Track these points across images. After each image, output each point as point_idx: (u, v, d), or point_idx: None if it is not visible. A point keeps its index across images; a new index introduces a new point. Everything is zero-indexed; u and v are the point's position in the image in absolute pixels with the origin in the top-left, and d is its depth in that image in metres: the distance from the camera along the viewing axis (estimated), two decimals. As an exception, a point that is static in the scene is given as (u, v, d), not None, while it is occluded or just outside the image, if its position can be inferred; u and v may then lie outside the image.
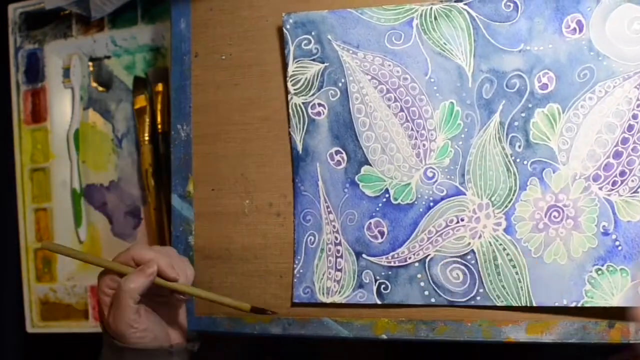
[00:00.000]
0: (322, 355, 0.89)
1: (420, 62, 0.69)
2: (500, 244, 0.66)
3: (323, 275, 0.70)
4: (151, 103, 0.91)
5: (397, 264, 0.69)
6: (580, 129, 0.65)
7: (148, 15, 0.92)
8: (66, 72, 0.96)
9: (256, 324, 0.74)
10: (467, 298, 0.67)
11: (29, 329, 0.96)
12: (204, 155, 0.76)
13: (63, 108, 0.97)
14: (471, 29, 0.67)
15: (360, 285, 0.69)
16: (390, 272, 0.69)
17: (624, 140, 0.64)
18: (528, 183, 0.66)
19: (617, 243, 0.64)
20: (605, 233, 0.64)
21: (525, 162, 0.66)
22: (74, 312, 0.94)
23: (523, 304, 0.65)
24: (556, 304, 0.64)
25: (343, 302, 0.70)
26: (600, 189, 0.65)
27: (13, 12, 0.98)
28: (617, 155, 0.64)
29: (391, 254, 0.69)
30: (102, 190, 0.96)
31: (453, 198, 0.68)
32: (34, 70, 0.96)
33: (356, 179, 0.70)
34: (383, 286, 0.69)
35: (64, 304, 0.94)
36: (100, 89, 0.96)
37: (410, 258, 0.69)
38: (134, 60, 0.95)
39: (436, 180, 0.68)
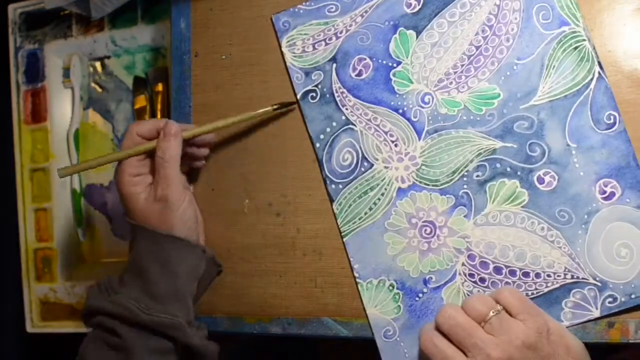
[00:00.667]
0: (322, 355, 0.89)
1: None
2: None
3: None
4: (151, 103, 0.91)
5: None
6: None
7: (148, 15, 0.92)
8: (66, 72, 0.96)
9: (256, 323, 0.74)
10: None
11: (29, 329, 0.96)
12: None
13: (63, 108, 0.97)
14: None
15: None
16: None
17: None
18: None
19: None
20: None
21: None
22: (74, 312, 0.94)
23: None
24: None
25: None
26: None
27: (13, 12, 0.98)
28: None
29: None
30: (102, 190, 0.96)
31: None
32: (34, 70, 0.96)
33: None
34: None
35: (64, 304, 0.94)
36: (99, 89, 0.96)
37: None
38: (134, 60, 0.95)
39: None
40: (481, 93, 0.67)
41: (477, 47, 0.67)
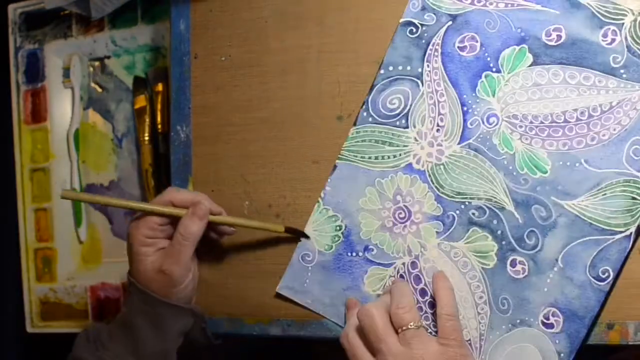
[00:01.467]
0: (321, 357, 0.89)
1: None
2: None
3: None
4: (151, 103, 0.91)
5: None
6: None
7: (148, 15, 0.92)
8: (66, 72, 0.96)
9: (255, 324, 0.74)
10: None
11: (29, 329, 0.96)
12: (203, 157, 0.76)
13: (63, 108, 0.97)
14: None
15: None
16: None
17: None
18: None
19: None
20: None
21: None
22: (74, 312, 0.94)
23: None
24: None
25: None
26: None
27: (13, 12, 0.98)
28: None
29: None
30: (102, 190, 0.96)
31: None
32: (34, 70, 0.96)
33: None
34: None
35: (64, 304, 0.95)
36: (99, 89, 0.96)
37: None
38: (134, 60, 0.95)
39: None
40: (535, 157, 0.65)
41: (566, 120, 0.65)
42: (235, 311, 0.74)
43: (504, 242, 0.66)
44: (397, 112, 0.69)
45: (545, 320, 0.64)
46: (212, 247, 0.74)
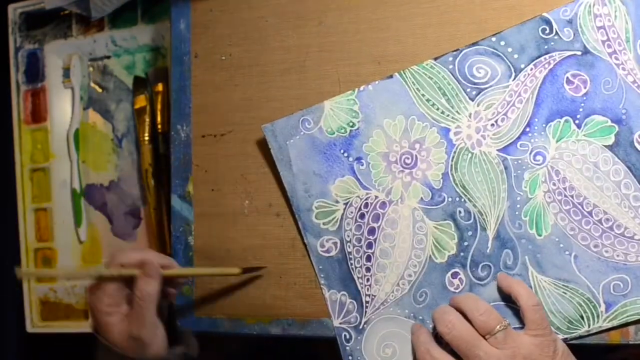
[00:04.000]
0: (321, 356, 0.89)
1: None
2: None
3: None
4: (151, 103, 0.91)
5: None
6: None
7: (148, 15, 0.92)
8: (66, 72, 0.96)
9: (255, 324, 0.74)
10: None
11: (29, 329, 0.95)
12: (203, 156, 0.76)
13: (63, 108, 0.97)
14: None
15: None
16: None
17: None
18: None
19: None
20: None
21: None
22: (74, 312, 0.94)
23: None
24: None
25: None
26: None
27: (13, 12, 0.98)
28: None
29: None
30: (102, 190, 0.96)
31: None
32: (34, 70, 0.96)
33: None
34: None
35: (64, 304, 0.94)
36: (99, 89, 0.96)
37: None
38: (134, 60, 0.95)
39: None
40: (544, 217, 0.65)
41: (594, 216, 0.64)
42: (235, 311, 0.74)
43: (462, 254, 0.67)
44: (476, 81, 0.67)
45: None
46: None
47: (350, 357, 0.69)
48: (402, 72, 0.69)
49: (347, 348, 0.69)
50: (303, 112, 0.71)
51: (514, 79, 0.66)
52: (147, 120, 0.91)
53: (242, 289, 0.74)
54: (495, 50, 0.67)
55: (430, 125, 0.68)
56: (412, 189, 0.68)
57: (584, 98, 0.65)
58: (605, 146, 0.64)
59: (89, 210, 0.96)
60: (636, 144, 0.63)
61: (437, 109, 0.68)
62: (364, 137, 0.70)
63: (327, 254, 0.70)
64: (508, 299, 0.65)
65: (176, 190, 0.77)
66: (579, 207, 0.65)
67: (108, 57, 0.96)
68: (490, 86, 0.67)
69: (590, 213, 0.64)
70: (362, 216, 0.69)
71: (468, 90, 0.67)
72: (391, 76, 0.69)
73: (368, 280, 0.69)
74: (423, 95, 0.68)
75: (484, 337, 0.61)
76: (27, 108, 0.96)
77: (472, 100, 0.67)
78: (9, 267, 1.00)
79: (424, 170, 0.68)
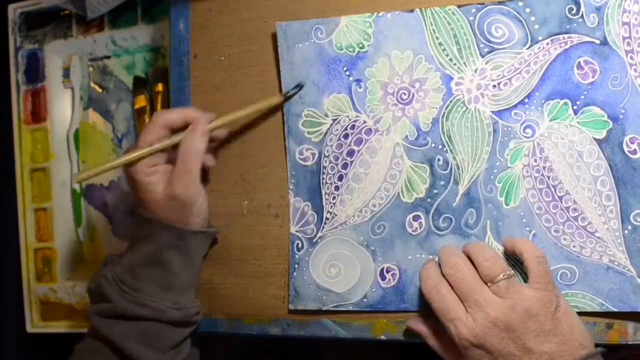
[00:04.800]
0: (322, 355, 0.89)
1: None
2: None
3: None
4: (151, 103, 0.91)
5: None
6: None
7: (148, 15, 0.92)
8: (66, 72, 0.96)
9: (255, 324, 0.74)
10: None
11: (29, 329, 0.96)
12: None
13: (63, 108, 0.97)
14: None
15: None
16: None
17: None
18: None
19: None
20: None
21: None
22: (74, 312, 0.94)
23: None
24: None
25: None
26: None
27: (13, 12, 0.98)
28: None
29: None
30: (102, 190, 0.96)
31: None
32: (34, 70, 0.96)
33: None
34: None
35: (64, 304, 0.95)
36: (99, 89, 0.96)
37: None
38: (134, 60, 0.95)
39: None
40: (516, 189, 0.66)
41: (568, 207, 0.65)
42: (234, 311, 0.74)
43: (429, 200, 0.68)
44: (491, 39, 0.67)
45: (385, 273, 0.68)
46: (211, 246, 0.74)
47: (296, 265, 0.71)
48: (423, 9, 0.68)
49: (296, 256, 0.71)
50: (318, 21, 0.71)
51: (529, 47, 0.66)
52: (147, 120, 0.91)
53: (241, 290, 0.74)
54: (518, 15, 0.66)
55: (435, 68, 0.68)
56: (401, 124, 0.69)
57: (589, 87, 0.65)
58: (594, 139, 0.64)
59: (89, 210, 0.97)
60: (624, 146, 0.63)
61: (447, 55, 0.68)
62: (369, 62, 0.70)
63: (303, 162, 0.72)
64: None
65: (176, 191, 0.76)
66: (552, 189, 0.65)
67: (108, 57, 0.96)
68: (504, 48, 0.67)
69: (561, 198, 0.65)
70: (346, 136, 0.70)
71: (481, 46, 0.67)
72: (412, 10, 0.69)
73: (334, 198, 0.70)
74: (437, 38, 0.68)
75: (486, 283, 0.61)
76: (27, 108, 0.96)
77: (482, 56, 0.67)
78: (9, 267, 1.00)
79: (417, 109, 0.69)
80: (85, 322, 0.93)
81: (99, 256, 0.96)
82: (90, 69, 0.97)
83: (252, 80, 0.74)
